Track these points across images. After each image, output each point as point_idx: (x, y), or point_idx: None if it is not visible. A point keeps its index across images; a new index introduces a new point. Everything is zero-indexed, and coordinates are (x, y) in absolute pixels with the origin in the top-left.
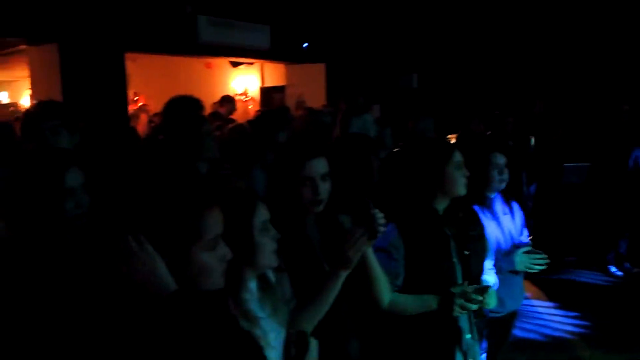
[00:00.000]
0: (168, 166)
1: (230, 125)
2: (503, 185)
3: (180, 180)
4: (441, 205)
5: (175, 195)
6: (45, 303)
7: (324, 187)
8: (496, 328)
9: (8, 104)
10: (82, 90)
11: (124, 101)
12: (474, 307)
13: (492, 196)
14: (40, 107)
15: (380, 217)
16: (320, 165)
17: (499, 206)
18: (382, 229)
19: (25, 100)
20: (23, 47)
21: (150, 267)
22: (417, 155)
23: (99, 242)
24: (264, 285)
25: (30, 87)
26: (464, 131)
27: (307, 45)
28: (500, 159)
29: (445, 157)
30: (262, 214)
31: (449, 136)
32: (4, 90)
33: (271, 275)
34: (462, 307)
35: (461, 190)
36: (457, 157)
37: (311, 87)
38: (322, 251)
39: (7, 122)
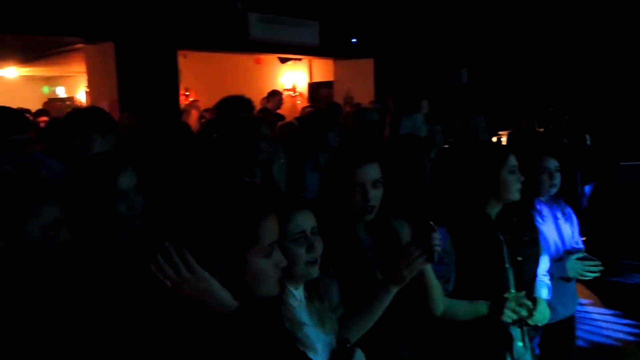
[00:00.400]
0: (223, 169)
1: (280, 123)
2: (554, 190)
3: (237, 184)
4: (494, 209)
5: (232, 199)
6: (101, 312)
7: (375, 194)
8: (550, 336)
9: (64, 98)
10: (137, 87)
11: (176, 97)
12: (524, 312)
13: (543, 200)
14: (67, 116)
15: (437, 239)
16: (371, 172)
17: (551, 211)
18: (438, 249)
19: (80, 95)
20: (80, 45)
21: (202, 287)
22: (471, 159)
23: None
24: (312, 293)
25: (86, 83)
26: (515, 128)
27: (355, 41)
28: (552, 163)
29: (499, 161)
30: (298, 224)
31: (500, 133)
32: (61, 85)
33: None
34: (513, 312)
35: (515, 195)
36: (512, 161)
37: (359, 82)
38: (373, 257)
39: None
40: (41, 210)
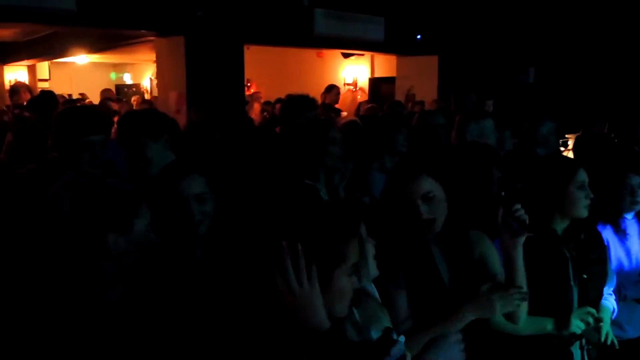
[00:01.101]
0: (289, 172)
1: (343, 122)
2: (637, 207)
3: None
4: (561, 225)
5: (328, 216)
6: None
7: (427, 207)
8: (615, 356)
9: (130, 84)
10: (204, 80)
11: (241, 91)
12: (591, 320)
13: (628, 217)
14: (122, 122)
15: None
16: (419, 186)
17: (630, 228)
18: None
19: (146, 82)
20: (151, 37)
21: (311, 300)
22: (537, 172)
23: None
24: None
25: (153, 73)
26: (584, 132)
27: (420, 37)
28: (635, 180)
29: (568, 176)
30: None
31: (567, 136)
32: (127, 71)
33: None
34: (582, 321)
35: (582, 212)
36: (581, 176)
37: (422, 79)
38: (446, 271)
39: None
40: (143, 211)
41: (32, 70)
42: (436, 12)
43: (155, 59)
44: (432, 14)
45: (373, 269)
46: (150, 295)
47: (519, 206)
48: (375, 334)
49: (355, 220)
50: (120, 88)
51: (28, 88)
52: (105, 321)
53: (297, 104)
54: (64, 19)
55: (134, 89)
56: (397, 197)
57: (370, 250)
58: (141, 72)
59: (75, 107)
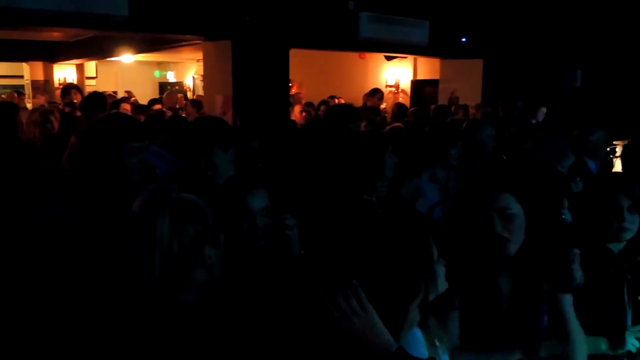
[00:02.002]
0: (347, 185)
1: (388, 127)
2: None
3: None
4: (617, 245)
5: (402, 250)
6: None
7: (500, 223)
8: None
9: (174, 82)
10: (250, 84)
11: (286, 95)
12: None
13: None
14: (189, 131)
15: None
16: (500, 202)
17: None
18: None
19: (189, 80)
20: (199, 41)
21: (370, 324)
22: (591, 191)
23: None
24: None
25: (194, 73)
26: (633, 139)
27: (465, 40)
28: None
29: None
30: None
31: (615, 143)
32: (171, 70)
33: None
34: (638, 339)
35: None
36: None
37: (466, 82)
38: (509, 299)
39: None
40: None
41: (80, 68)
42: (481, 15)
43: (198, 58)
44: (477, 17)
45: (442, 286)
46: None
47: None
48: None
49: (428, 247)
50: (164, 86)
51: (79, 89)
52: (188, 325)
53: (340, 114)
54: (116, 24)
55: (177, 87)
56: (471, 210)
57: (441, 271)
58: (185, 70)
59: (117, 114)
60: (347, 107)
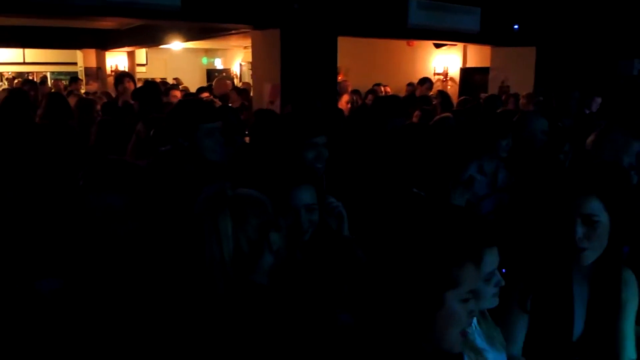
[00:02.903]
0: (396, 177)
1: (437, 118)
2: None
3: (448, 219)
4: None
5: (442, 235)
6: None
7: (582, 231)
8: None
9: (221, 69)
10: (298, 72)
11: (334, 83)
12: None
13: None
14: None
15: None
16: (586, 206)
17: None
18: None
19: (236, 67)
20: (247, 29)
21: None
22: None
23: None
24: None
25: (245, 59)
26: None
27: (517, 28)
28: None
29: None
30: (491, 263)
31: None
32: (219, 57)
33: None
34: None
35: None
36: None
37: (518, 71)
38: (582, 308)
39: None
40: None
41: (131, 55)
42: (534, 1)
43: (245, 45)
44: (530, 3)
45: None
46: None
47: None
48: (491, 356)
49: (477, 242)
50: (211, 73)
51: (132, 77)
52: (264, 303)
53: (386, 108)
54: (169, 14)
55: (225, 74)
56: (553, 213)
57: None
58: (232, 57)
59: (192, 98)
60: (393, 101)
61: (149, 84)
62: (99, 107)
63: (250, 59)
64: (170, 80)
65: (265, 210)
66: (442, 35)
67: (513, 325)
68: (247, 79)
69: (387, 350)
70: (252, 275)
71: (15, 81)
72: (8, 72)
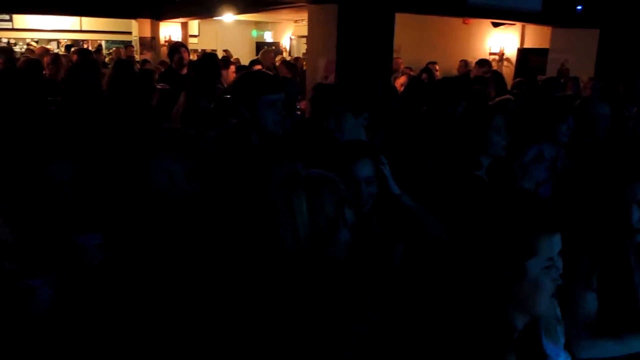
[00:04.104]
0: (451, 159)
1: (497, 99)
2: None
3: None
4: None
5: (517, 208)
6: None
7: (638, 214)
8: None
9: (271, 42)
10: (354, 48)
11: (389, 61)
12: None
13: None
14: (319, 91)
15: None
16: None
17: None
18: None
19: (285, 41)
20: (303, 3)
21: None
22: None
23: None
24: None
25: (295, 32)
26: None
27: (581, 8)
28: None
29: None
30: (552, 248)
31: None
32: (269, 30)
33: None
34: None
35: None
36: None
37: (579, 54)
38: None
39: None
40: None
41: (184, 26)
42: None
43: (296, 18)
44: None
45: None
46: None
47: None
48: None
49: (547, 214)
50: (261, 46)
51: (187, 48)
52: (343, 275)
53: (450, 90)
54: None
55: (274, 47)
56: (611, 198)
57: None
58: (282, 30)
59: (253, 70)
60: (458, 84)
61: (208, 56)
62: (156, 76)
63: (300, 33)
64: (220, 53)
65: (338, 187)
66: (501, 14)
67: (580, 302)
68: (297, 52)
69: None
70: (330, 251)
71: (72, 49)
72: (64, 40)
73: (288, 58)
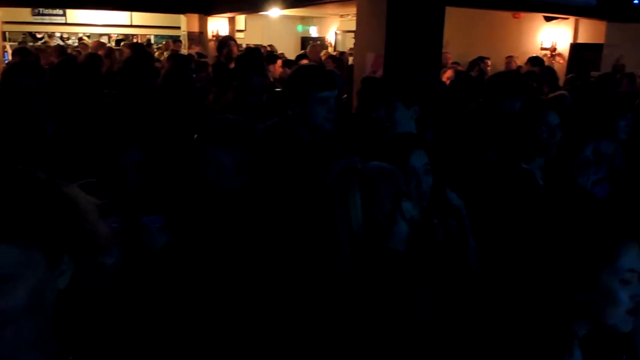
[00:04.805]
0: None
1: (552, 95)
2: None
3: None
4: None
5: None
6: None
7: None
8: None
9: (316, 37)
10: (403, 42)
11: (439, 55)
12: None
13: None
14: (367, 83)
15: None
16: None
17: None
18: None
19: (330, 35)
20: None
21: None
22: None
23: None
24: None
25: (340, 27)
26: None
27: (638, 2)
28: None
29: None
30: (632, 260)
31: None
32: (314, 24)
33: None
34: None
35: None
36: None
37: (635, 49)
38: None
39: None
40: None
41: (231, 21)
42: None
43: (342, 13)
44: None
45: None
46: None
47: None
48: None
49: (629, 222)
50: (306, 41)
51: (236, 42)
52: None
53: (506, 85)
54: None
55: (319, 42)
56: None
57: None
58: (327, 25)
59: (308, 65)
60: (514, 79)
61: (252, 50)
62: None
63: (345, 28)
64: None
65: (395, 180)
66: (554, 8)
67: None
68: (342, 47)
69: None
70: (388, 243)
71: (122, 43)
72: (115, 34)
73: (333, 53)
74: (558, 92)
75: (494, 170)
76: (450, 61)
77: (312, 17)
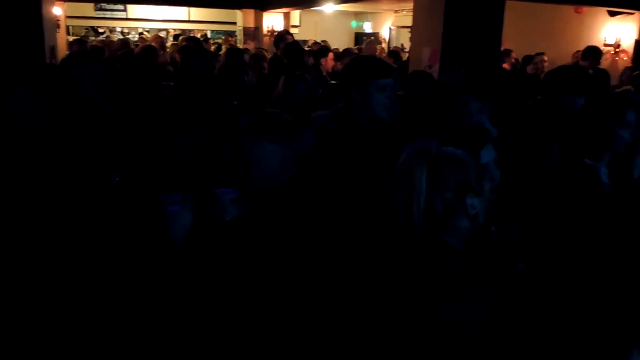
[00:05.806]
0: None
1: (617, 90)
2: None
3: None
4: None
5: None
6: None
7: None
8: None
9: (370, 33)
10: (460, 37)
11: (497, 49)
12: None
13: None
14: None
15: None
16: None
17: None
18: None
19: (385, 31)
20: None
21: None
22: None
23: None
24: None
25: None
26: None
27: None
28: None
29: None
30: None
31: None
32: (368, 20)
33: None
34: None
35: None
36: None
37: None
38: None
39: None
40: None
41: (286, 16)
42: None
43: (396, 9)
44: None
45: None
46: None
47: None
48: None
49: None
50: (360, 36)
51: (292, 36)
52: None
53: (567, 81)
54: None
55: (373, 38)
56: None
57: None
58: (381, 21)
59: (364, 55)
60: (576, 74)
61: (292, 44)
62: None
63: (400, 23)
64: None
65: (464, 171)
66: (618, 2)
67: None
68: (396, 43)
69: None
70: (445, 236)
71: (180, 38)
72: (173, 29)
73: (387, 49)
74: (624, 88)
75: (556, 168)
76: (513, 57)
77: (367, 13)
